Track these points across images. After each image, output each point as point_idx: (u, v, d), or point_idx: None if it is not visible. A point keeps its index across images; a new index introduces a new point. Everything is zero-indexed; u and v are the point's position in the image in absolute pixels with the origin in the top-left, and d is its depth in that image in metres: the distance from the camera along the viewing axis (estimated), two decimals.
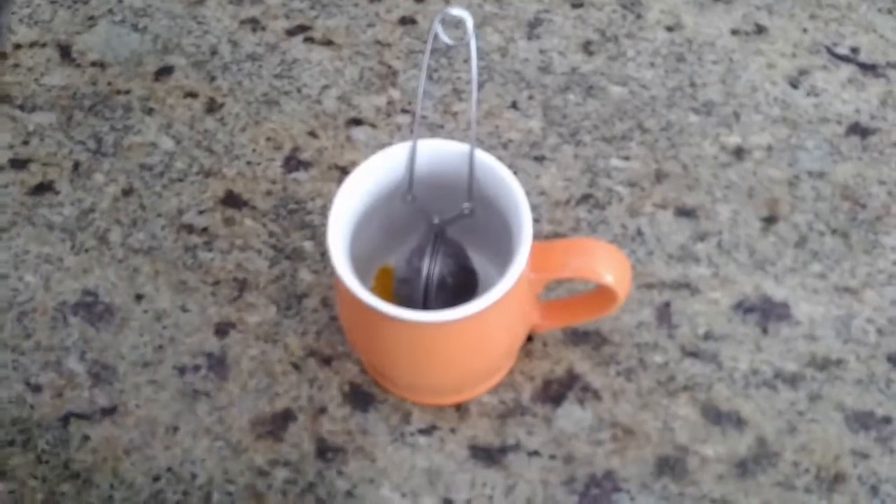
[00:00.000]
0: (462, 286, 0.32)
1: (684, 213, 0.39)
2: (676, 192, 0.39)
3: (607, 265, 0.29)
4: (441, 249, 0.32)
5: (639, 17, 0.44)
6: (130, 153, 0.40)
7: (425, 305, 0.31)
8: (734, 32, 0.43)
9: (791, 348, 0.35)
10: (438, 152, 0.30)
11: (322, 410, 0.34)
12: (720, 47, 0.43)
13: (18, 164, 0.40)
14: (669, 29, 0.44)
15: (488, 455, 0.33)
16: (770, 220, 0.38)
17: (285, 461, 0.33)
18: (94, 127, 0.41)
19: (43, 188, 0.40)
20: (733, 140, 0.40)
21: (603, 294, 0.30)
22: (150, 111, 0.41)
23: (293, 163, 0.40)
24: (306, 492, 0.32)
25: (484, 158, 0.29)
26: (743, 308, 0.36)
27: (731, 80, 0.42)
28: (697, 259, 0.37)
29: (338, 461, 0.33)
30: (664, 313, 0.36)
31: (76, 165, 0.40)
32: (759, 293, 0.36)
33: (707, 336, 0.36)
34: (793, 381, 0.34)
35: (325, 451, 0.33)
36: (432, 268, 0.31)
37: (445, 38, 0.25)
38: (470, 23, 0.25)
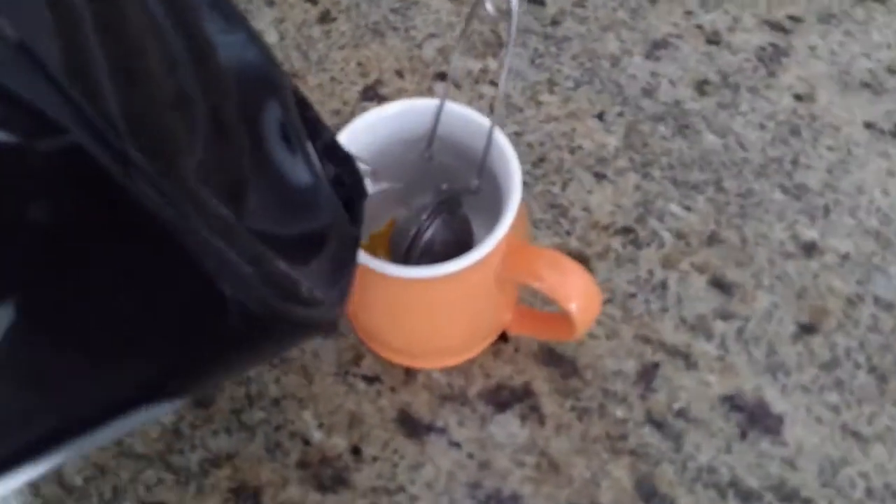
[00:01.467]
0: (449, 258, 0.32)
1: (720, 285, 0.36)
2: (722, 261, 0.36)
3: (576, 292, 0.27)
4: (441, 216, 0.31)
5: (771, 74, 0.41)
6: None
7: (405, 260, 0.31)
8: (867, 125, 0.39)
9: (762, 464, 0.32)
10: (464, 120, 0.29)
11: None
12: (844, 135, 0.39)
13: None
14: (798, 98, 0.40)
15: (413, 426, 0.33)
16: (807, 330, 0.35)
17: None
18: None
19: None
20: (809, 234, 0.37)
21: (566, 319, 0.28)
22: (270, 3, 0.44)
23: (370, 93, 0.41)
24: (242, 383, 0.34)
25: (499, 139, 0.28)
26: (732, 403, 0.33)
27: (839, 172, 0.38)
28: (710, 336, 0.35)
29: (281, 369, 0.34)
30: (648, 373, 0.34)
31: None
32: (756, 395, 0.33)
33: (680, 413, 0.33)
34: (747, 498, 0.31)
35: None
36: (424, 229, 0.31)
37: (490, 8, 0.25)
38: (516, 1, 0.24)
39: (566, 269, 0.28)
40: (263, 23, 0.43)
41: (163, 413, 0.18)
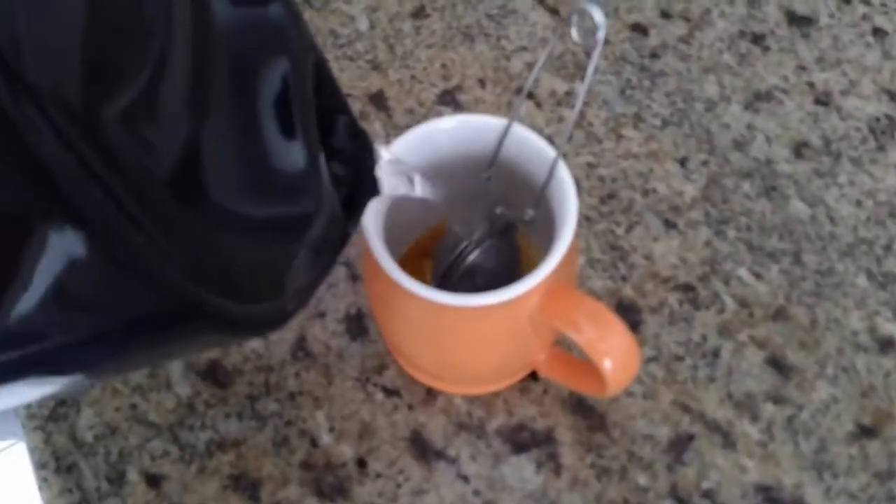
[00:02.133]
0: (492, 286, 0.30)
1: (778, 365, 0.33)
2: (785, 340, 0.33)
3: (614, 350, 0.26)
4: (492, 241, 0.30)
5: (881, 148, 0.37)
6: (329, 16, 0.43)
7: (442, 279, 0.30)
8: None
9: None
10: (528, 145, 0.28)
11: (321, 315, 0.35)
12: None
13: None
14: None
15: (424, 450, 0.32)
16: (867, 433, 0.32)
17: (256, 352, 0.34)
18: None
19: None
20: (889, 329, 0.33)
21: (598, 375, 0.27)
22: None
23: (448, 98, 0.40)
24: (262, 370, 0.34)
25: (562, 173, 0.27)
26: (768, 495, 0.31)
27: None
28: (756, 417, 0.32)
29: (303, 364, 0.34)
30: (681, 443, 0.32)
31: None
32: (796, 492, 0.31)
33: (707, 495, 0.31)
34: None
35: (299, 350, 0.34)
36: (470, 250, 0.30)
37: (575, 36, 0.23)
38: (602, 32, 0.23)
39: (607, 323, 0.26)
40: (357, 9, 0.43)
41: (55, 389, 0.16)
